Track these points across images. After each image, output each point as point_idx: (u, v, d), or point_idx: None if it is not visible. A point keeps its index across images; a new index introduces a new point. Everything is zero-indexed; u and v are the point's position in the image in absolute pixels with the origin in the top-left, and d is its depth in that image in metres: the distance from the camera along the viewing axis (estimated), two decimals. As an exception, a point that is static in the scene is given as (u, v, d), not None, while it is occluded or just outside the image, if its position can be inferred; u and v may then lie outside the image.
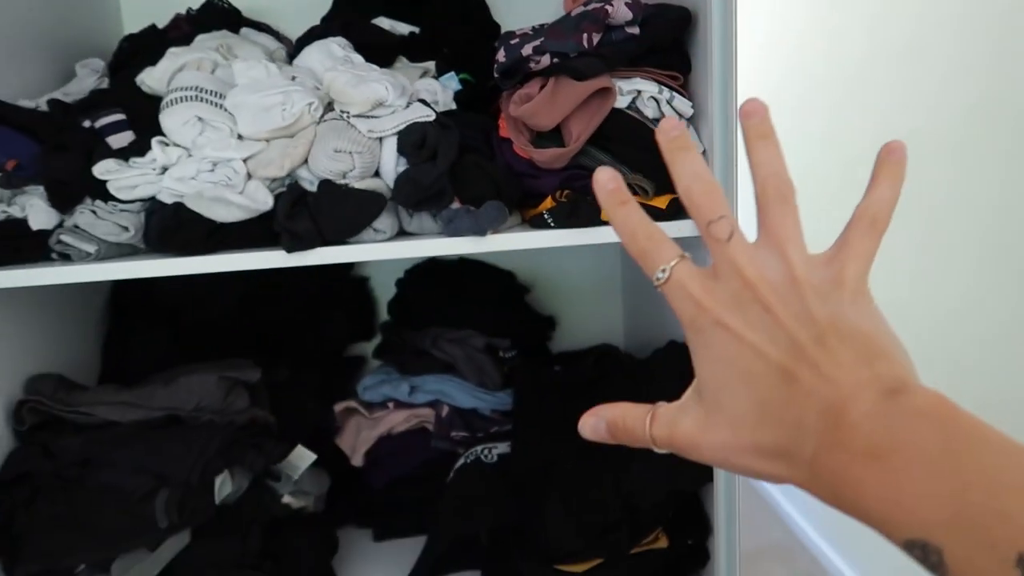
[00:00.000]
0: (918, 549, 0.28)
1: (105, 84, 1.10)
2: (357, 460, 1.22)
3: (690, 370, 0.37)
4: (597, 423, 0.40)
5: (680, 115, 0.88)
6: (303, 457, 1.09)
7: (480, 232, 0.85)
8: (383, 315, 1.42)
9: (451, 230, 0.87)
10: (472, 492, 1.10)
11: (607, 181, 0.39)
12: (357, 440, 1.23)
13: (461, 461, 1.16)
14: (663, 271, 0.37)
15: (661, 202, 0.86)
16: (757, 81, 2.37)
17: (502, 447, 1.17)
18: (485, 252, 0.87)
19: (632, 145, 0.87)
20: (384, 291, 1.42)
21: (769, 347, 0.34)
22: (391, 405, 1.23)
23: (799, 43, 2.11)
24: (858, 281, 0.35)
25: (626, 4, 0.85)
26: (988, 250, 1.38)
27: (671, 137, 0.38)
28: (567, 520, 0.98)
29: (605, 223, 0.87)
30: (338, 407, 1.25)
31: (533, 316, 1.38)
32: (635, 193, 0.87)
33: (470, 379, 1.21)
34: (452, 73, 1.12)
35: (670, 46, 0.91)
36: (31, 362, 1.01)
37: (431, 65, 1.17)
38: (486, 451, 1.17)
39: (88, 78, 1.10)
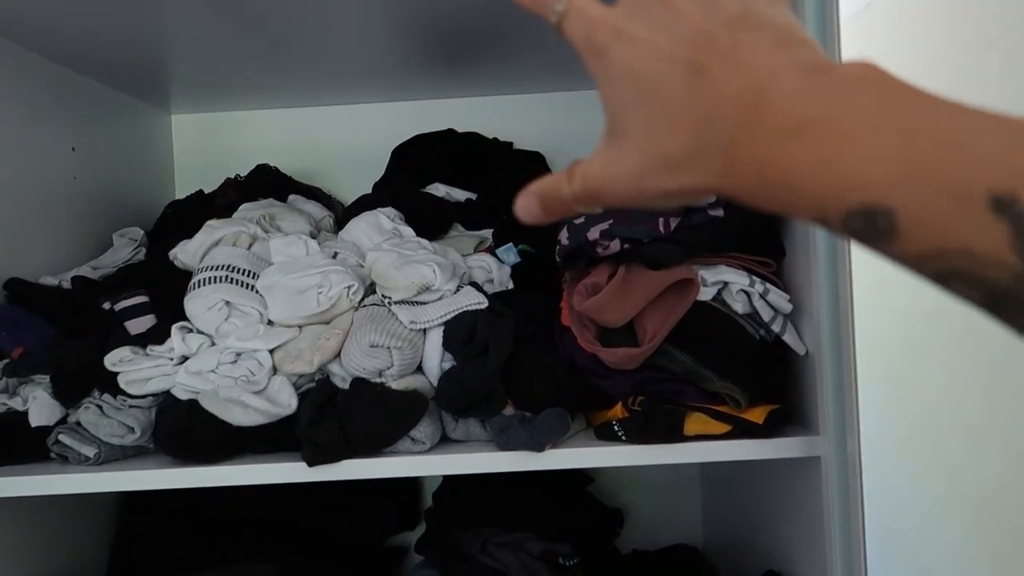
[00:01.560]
0: (860, 218, 0.26)
1: (141, 255, 1.04)
2: None
3: None
4: (528, 201, 0.37)
5: (777, 311, 0.74)
6: None
7: (537, 447, 0.71)
8: (429, 500, 1.27)
9: (503, 442, 0.73)
10: None
11: None
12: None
13: None
14: (559, 4, 0.34)
15: (757, 415, 0.71)
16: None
17: None
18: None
19: (719, 345, 0.73)
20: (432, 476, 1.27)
21: (672, 43, 0.31)
22: (431, 617, 1.06)
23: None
24: None
25: (709, 183, 0.74)
26: None
27: None
28: None
29: (685, 438, 0.72)
30: (371, 615, 1.08)
31: (598, 509, 1.21)
32: (724, 403, 0.73)
33: (524, 589, 1.04)
34: (510, 245, 1.02)
35: (759, 228, 0.78)
36: (27, 569, 0.88)
37: (487, 234, 1.07)
38: None
39: (123, 248, 1.03)
